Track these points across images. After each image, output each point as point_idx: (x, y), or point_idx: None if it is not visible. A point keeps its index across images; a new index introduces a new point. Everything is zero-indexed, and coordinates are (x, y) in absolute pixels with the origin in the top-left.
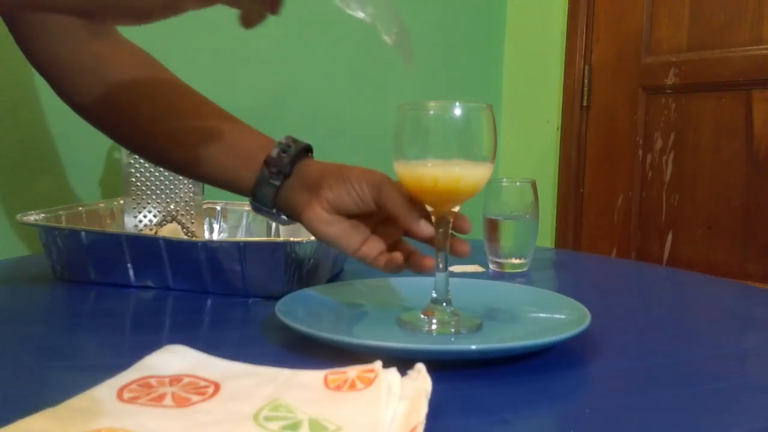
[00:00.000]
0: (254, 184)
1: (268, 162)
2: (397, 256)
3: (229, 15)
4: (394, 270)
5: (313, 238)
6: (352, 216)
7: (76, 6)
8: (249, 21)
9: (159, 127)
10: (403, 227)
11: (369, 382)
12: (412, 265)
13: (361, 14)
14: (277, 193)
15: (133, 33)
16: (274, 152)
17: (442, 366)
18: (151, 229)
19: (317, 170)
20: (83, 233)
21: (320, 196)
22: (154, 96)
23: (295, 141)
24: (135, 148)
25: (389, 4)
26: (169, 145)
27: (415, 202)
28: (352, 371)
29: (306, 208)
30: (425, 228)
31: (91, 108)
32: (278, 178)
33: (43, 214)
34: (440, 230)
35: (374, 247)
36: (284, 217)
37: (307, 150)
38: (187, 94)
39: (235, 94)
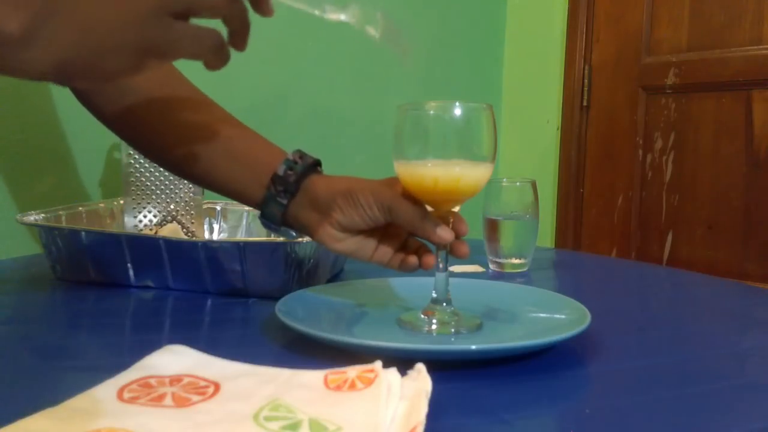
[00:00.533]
0: (262, 202)
1: (274, 180)
2: (412, 259)
3: None
4: (410, 270)
5: None
6: (363, 230)
7: (45, 72)
8: (213, 65)
9: (175, 149)
10: (423, 239)
11: (369, 382)
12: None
13: (342, 17)
14: (285, 211)
15: None
16: (281, 170)
17: (442, 366)
18: (151, 229)
19: (326, 189)
20: (83, 233)
21: (331, 217)
22: (170, 114)
23: (302, 156)
24: (154, 159)
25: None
26: (185, 159)
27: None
28: (352, 371)
29: (318, 228)
30: (445, 234)
31: (112, 121)
32: (285, 197)
33: (43, 214)
34: None
35: (386, 252)
36: (292, 232)
37: (316, 164)
38: (202, 110)
39: (235, 94)
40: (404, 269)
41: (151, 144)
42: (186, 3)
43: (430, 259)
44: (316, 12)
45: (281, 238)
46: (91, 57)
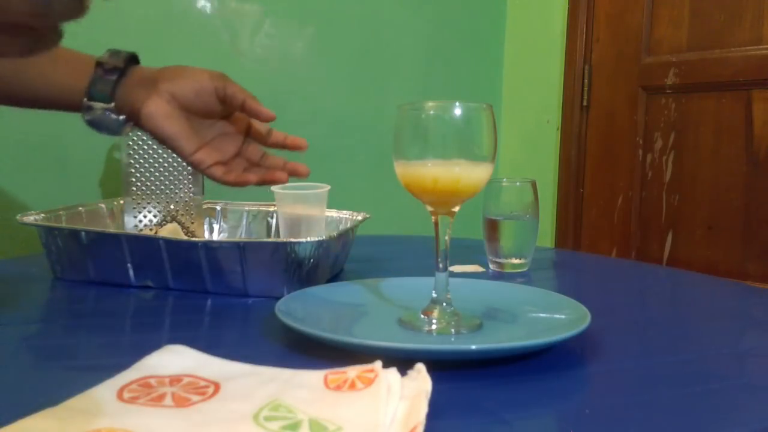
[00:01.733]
0: (87, 85)
1: (100, 62)
2: (249, 177)
3: (229, 17)
4: (233, 181)
5: (312, 238)
6: (192, 115)
7: None
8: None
9: None
10: (248, 111)
11: (369, 382)
12: (270, 172)
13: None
14: (113, 93)
15: (130, 34)
16: (106, 55)
17: (442, 366)
18: (151, 229)
19: (153, 70)
20: (83, 233)
21: (159, 89)
22: None
23: (119, 51)
24: None
25: None
26: (4, 77)
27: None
28: (352, 371)
29: (146, 101)
30: (266, 111)
31: None
32: (114, 73)
33: (43, 214)
34: (441, 230)
35: (211, 155)
36: (121, 118)
37: (135, 58)
38: None
39: None
40: (227, 180)
41: None
42: None
43: (280, 175)
44: None
45: (281, 239)
46: None
